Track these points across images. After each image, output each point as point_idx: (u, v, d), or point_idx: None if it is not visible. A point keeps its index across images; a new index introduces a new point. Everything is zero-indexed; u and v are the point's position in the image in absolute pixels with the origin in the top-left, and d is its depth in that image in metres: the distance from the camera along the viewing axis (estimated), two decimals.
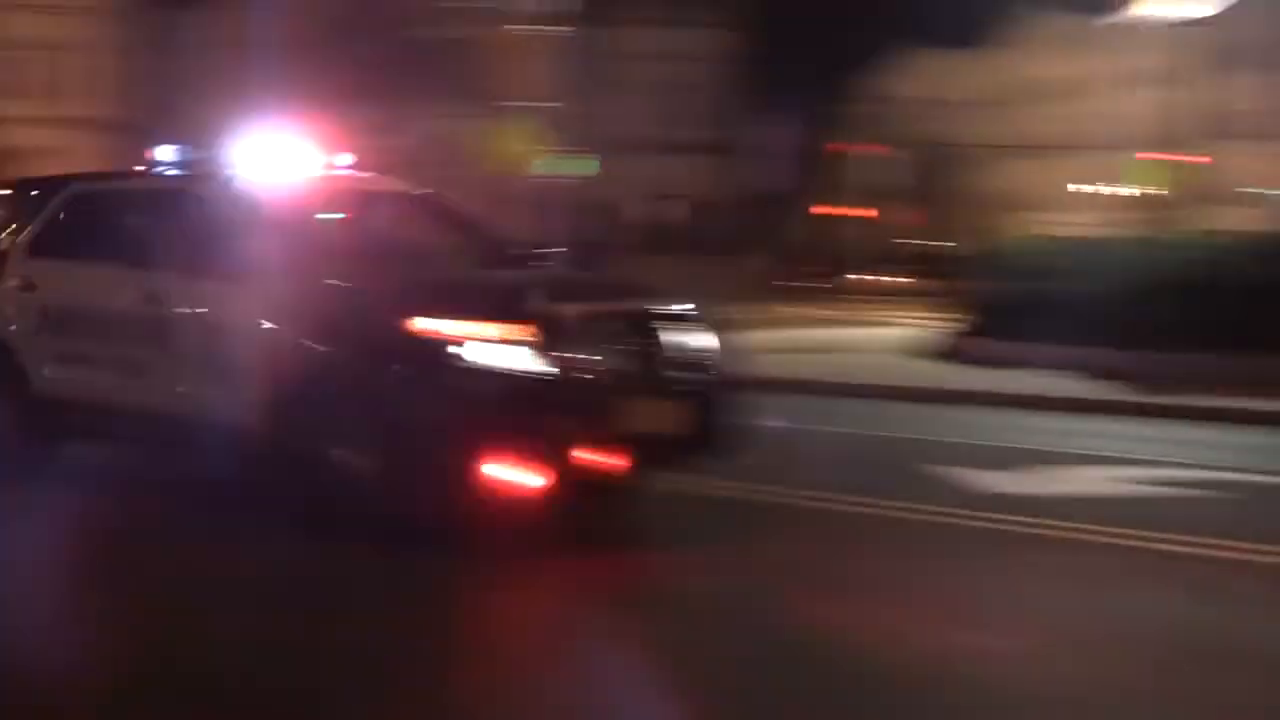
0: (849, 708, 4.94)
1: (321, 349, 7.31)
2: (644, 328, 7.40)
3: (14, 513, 7.70)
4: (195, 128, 15.61)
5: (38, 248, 8.90)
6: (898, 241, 48.90)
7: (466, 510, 6.97)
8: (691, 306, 7.82)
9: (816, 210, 49.09)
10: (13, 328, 8.80)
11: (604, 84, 42.45)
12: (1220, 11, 38.71)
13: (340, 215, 8.89)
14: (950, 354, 18.47)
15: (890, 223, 49.45)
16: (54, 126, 38.95)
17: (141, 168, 9.16)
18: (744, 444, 7.81)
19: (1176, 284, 15.94)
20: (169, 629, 5.64)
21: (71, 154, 30.41)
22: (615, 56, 43.57)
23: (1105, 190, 42.72)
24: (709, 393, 7.57)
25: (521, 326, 6.95)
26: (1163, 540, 7.61)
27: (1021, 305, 17.22)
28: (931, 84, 46.78)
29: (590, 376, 7.07)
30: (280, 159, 8.50)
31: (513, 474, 6.86)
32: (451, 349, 6.92)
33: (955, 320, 19.57)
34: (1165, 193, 39.17)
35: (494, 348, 6.92)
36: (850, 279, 45.66)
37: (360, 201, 8.98)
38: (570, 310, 7.28)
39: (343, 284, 7.52)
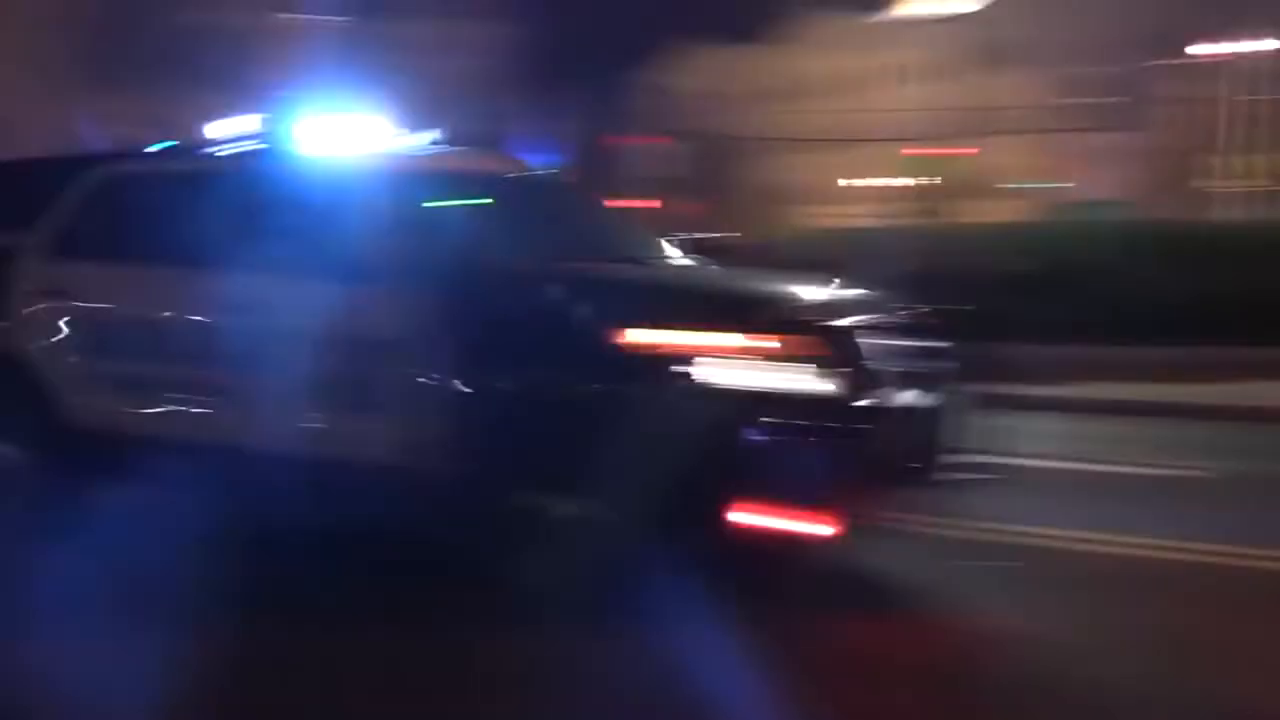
0: None
1: (520, 367, 5.66)
2: (907, 340, 5.96)
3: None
4: None
5: (65, 246, 6.91)
6: (678, 234, 49.30)
7: (721, 564, 5.36)
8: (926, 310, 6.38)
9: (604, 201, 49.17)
10: (35, 344, 6.84)
11: (379, 74, 41.77)
12: (983, 8, 40.14)
13: (485, 200, 7.06)
14: None
15: (672, 213, 49.88)
16: None
17: (172, 145, 7.39)
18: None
19: (946, 274, 16.32)
20: None
21: None
22: (393, 47, 42.93)
23: (877, 183, 43.87)
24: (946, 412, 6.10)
25: (806, 339, 5.49)
26: None
27: None
28: (710, 78, 47.38)
29: (873, 400, 5.59)
30: (351, 136, 6.83)
31: (788, 521, 5.36)
32: (705, 367, 5.41)
33: None
34: (934, 185, 40.37)
35: (773, 366, 5.44)
36: None
37: (493, 185, 7.15)
38: (844, 320, 5.78)
39: (550, 285, 5.85)
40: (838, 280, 6.30)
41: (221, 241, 6.15)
